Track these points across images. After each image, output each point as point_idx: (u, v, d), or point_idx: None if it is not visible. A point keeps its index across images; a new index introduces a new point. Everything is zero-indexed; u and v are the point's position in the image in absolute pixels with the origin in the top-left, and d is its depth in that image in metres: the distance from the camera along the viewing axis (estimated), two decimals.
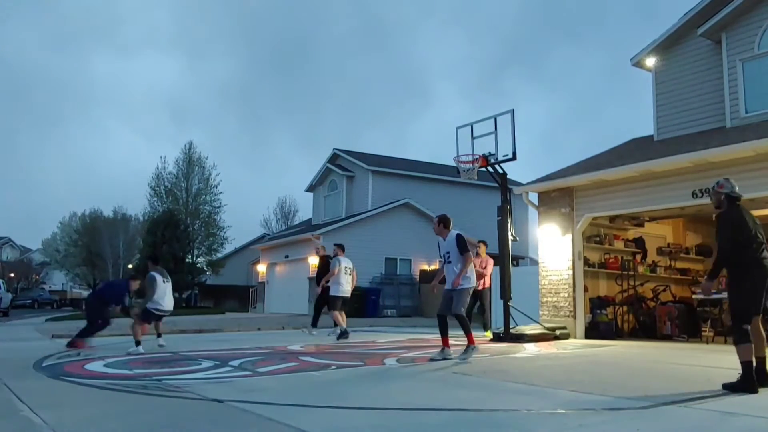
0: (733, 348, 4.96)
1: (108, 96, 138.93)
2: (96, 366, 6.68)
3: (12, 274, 53.84)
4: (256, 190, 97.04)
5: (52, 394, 5.02)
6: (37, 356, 7.55)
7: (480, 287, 10.43)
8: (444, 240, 7.57)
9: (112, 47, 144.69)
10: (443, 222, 7.63)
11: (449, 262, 7.45)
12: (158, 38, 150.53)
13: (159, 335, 9.18)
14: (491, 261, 11.32)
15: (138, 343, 8.30)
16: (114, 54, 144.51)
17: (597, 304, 11.66)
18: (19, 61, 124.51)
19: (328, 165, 28.88)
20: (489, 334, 10.94)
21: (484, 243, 11.44)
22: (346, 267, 11.26)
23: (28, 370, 6.42)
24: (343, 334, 10.64)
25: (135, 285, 9.21)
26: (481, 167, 10.88)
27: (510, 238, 10.92)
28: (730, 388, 4.82)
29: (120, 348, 8.48)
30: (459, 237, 7.43)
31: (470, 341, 7.26)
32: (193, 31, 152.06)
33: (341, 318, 10.92)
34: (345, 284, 11.19)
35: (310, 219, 31.90)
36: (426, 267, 25.02)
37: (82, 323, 9.46)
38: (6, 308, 28.74)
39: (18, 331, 14.85)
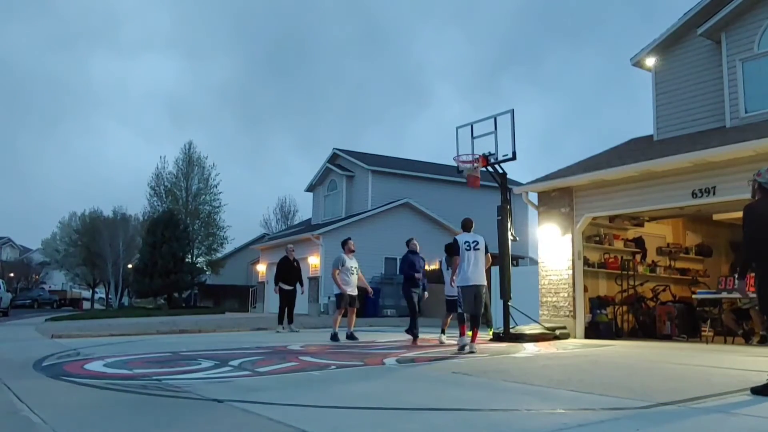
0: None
1: (107, 96, 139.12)
2: (96, 366, 6.67)
3: (12, 274, 53.87)
4: (256, 190, 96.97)
5: (52, 394, 5.01)
6: (37, 356, 7.54)
7: None
8: None
9: (112, 48, 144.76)
10: (462, 227, 8.10)
11: None
12: (157, 39, 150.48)
13: None
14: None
15: None
16: (113, 55, 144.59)
17: (597, 303, 11.66)
18: (19, 62, 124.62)
19: (328, 165, 28.86)
20: (490, 334, 10.94)
21: None
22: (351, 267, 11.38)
23: (28, 370, 6.41)
24: (334, 337, 10.69)
25: None
26: (481, 167, 10.91)
27: (510, 238, 10.93)
28: (760, 392, 4.45)
29: (120, 348, 8.47)
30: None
31: (461, 332, 8.16)
32: (192, 33, 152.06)
33: (339, 320, 11.06)
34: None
35: (310, 219, 31.90)
36: (425, 267, 24.94)
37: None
38: (6, 308, 28.73)
39: (18, 331, 14.82)
